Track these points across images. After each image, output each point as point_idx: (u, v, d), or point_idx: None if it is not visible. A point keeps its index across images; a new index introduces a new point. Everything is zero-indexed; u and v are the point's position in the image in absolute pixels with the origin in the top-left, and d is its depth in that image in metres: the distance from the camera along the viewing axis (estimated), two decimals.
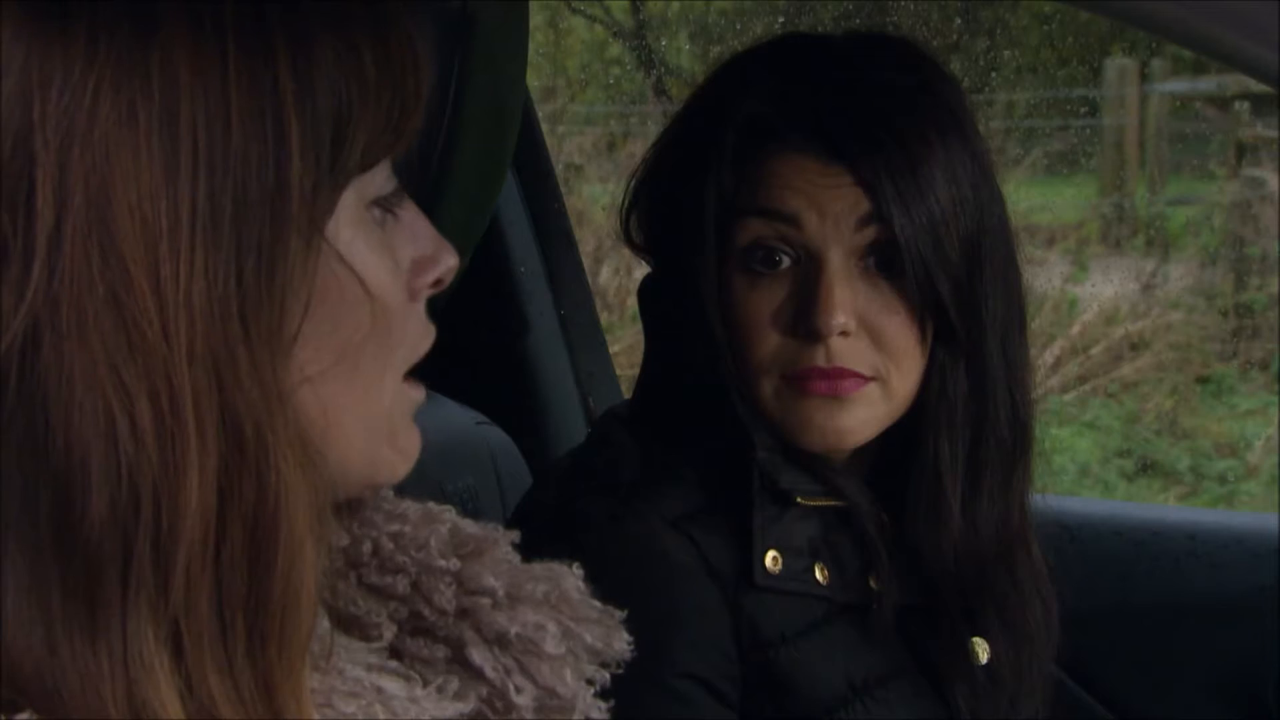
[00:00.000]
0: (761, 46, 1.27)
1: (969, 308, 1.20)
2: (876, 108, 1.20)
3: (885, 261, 1.19)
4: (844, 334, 1.17)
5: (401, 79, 0.70)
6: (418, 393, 0.76)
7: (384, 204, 0.74)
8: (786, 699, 1.18)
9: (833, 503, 1.22)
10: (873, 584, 1.22)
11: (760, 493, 1.19)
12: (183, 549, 0.62)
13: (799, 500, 1.20)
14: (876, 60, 1.23)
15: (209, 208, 0.63)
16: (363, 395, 0.72)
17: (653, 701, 1.14)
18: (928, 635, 1.25)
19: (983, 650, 1.25)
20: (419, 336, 0.75)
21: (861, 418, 1.19)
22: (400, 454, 0.75)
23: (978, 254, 1.20)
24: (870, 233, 1.18)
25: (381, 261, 0.72)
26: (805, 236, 1.18)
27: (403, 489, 0.83)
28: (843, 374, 1.18)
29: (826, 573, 1.21)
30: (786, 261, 1.19)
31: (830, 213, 1.17)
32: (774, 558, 1.18)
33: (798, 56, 1.25)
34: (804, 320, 1.18)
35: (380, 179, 0.73)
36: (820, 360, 1.17)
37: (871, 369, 1.19)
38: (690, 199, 1.21)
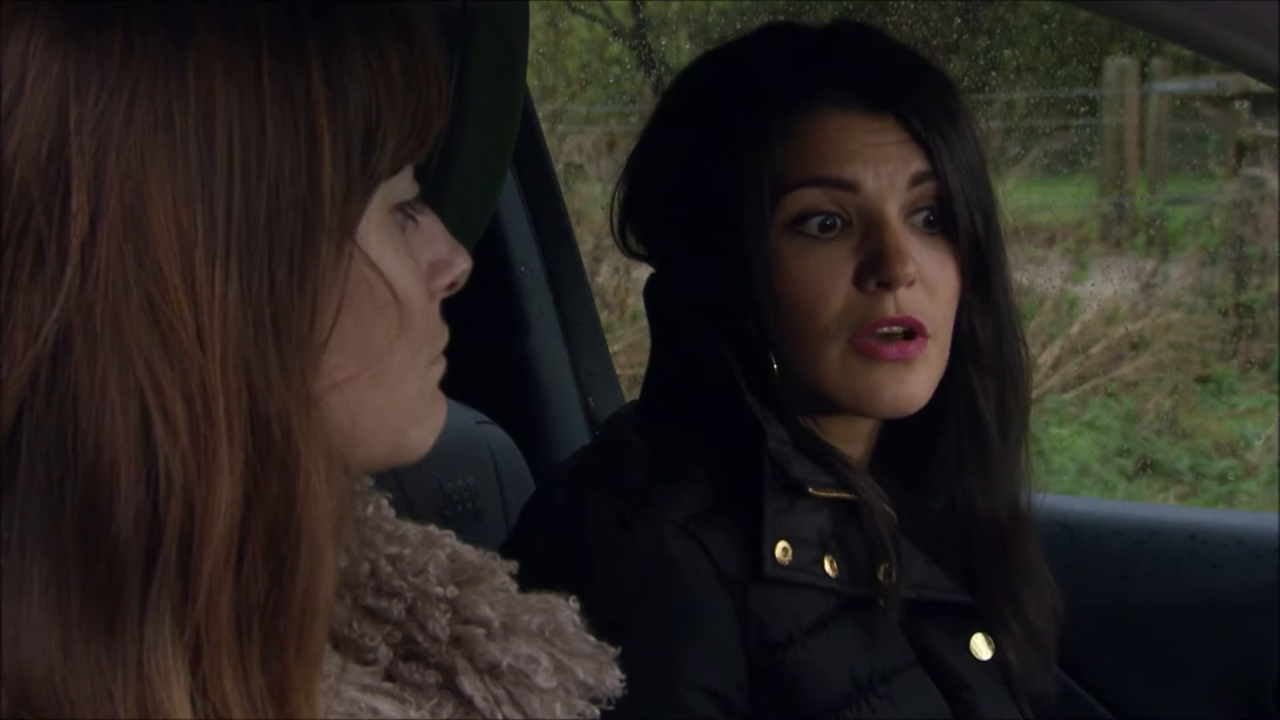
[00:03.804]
0: (751, 35, 1.29)
1: (995, 251, 1.25)
2: (901, 62, 1.24)
3: (929, 218, 1.22)
4: (909, 284, 1.19)
5: (426, 84, 0.71)
6: (438, 368, 0.77)
7: (406, 209, 0.74)
8: (793, 700, 1.18)
9: (844, 495, 1.22)
10: (880, 577, 1.22)
11: (771, 484, 1.19)
12: (209, 552, 0.63)
13: (810, 491, 1.20)
14: (873, 32, 1.28)
15: (244, 213, 0.64)
16: (389, 396, 0.73)
17: (662, 712, 1.14)
18: (933, 630, 1.25)
19: (988, 645, 1.26)
20: (436, 337, 0.77)
21: (925, 380, 1.22)
22: (427, 431, 0.77)
23: (991, 199, 1.25)
24: (921, 190, 1.21)
25: (406, 265, 0.73)
26: (862, 198, 1.20)
27: (403, 487, 0.83)
28: (910, 324, 1.19)
29: (835, 565, 1.21)
30: (839, 225, 1.21)
31: (884, 173, 1.20)
32: (784, 549, 1.19)
33: (800, 33, 1.27)
34: (873, 273, 1.19)
35: (404, 184, 0.74)
36: (890, 310, 1.19)
37: (931, 323, 1.21)
38: (731, 182, 1.21)
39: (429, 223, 0.76)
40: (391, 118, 0.69)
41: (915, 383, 1.21)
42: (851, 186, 1.20)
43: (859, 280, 1.20)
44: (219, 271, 0.63)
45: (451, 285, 0.77)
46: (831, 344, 1.20)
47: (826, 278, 1.20)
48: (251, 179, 0.64)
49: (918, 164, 1.21)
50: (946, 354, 1.24)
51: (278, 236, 0.65)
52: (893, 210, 1.20)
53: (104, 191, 0.62)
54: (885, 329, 1.20)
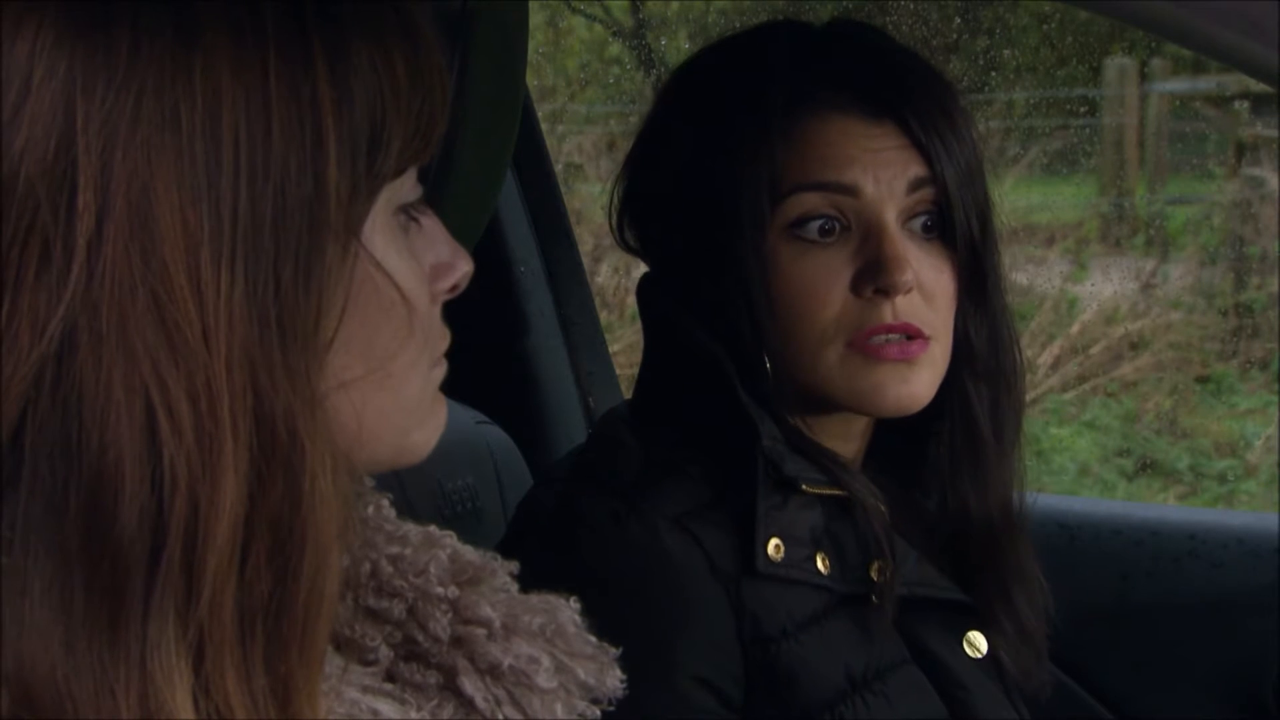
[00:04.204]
0: (751, 32, 1.28)
1: (991, 255, 1.25)
2: (898, 63, 1.24)
3: (927, 223, 1.22)
4: (907, 291, 1.19)
5: (430, 85, 0.71)
6: (440, 370, 0.77)
7: (409, 211, 0.75)
8: (788, 695, 1.18)
9: (837, 492, 1.22)
10: (873, 575, 1.22)
11: (764, 481, 1.19)
12: (213, 551, 0.63)
13: (804, 488, 1.20)
14: (873, 32, 1.27)
15: (250, 213, 0.64)
16: (393, 397, 0.73)
17: (660, 705, 1.14)
18: (927, 628, 1.25)
19: (982, 643, 1.26)
20: (438, 339, 0.77)
21: (927, 381, 1.22)
22: (429, 434, 0.77)
23: (988, 203, 1.25)
24: (919, 196, 1.21)
25: (410, 267, 0.73)
26: (862, 204, 1.20)
27: (404, 487, 0.83)
28: (909, 330, 1.20)
29: (828, 562, 1.21)
30: (838, 229, 1.20)
31: (884, 178, 1.20)
32: (776, 545, 1.19)
33: (800, 32, 1.26)
34: (871, 279, 1.19)
35: (408, 186, 0.74)
36: (888, 317, 1.19)
37: (929, 328, 1.21)
38: (729, 179, 1.21)
39: (431, 225, 0.77)
40: (396, 118, 0.69)
41: (919, 382, 1.21)
42: (851, 191, 1.20)
43: (856, 286, 1.20)
44: (225, 271, 0.63)
45: (454, 288, 0.77)
46: (829, 347, 1.20)
47: (824, 283, 1.20)
48: (258, 179, 0.64)
49: (916, 169, 1.21)
50: (949, 356, 1.24)
51: (283, 237, 0.65)
52: (891, 216, 1.20)
53: (110, 190, 0.62)
54: (883, 335, 1.20)
